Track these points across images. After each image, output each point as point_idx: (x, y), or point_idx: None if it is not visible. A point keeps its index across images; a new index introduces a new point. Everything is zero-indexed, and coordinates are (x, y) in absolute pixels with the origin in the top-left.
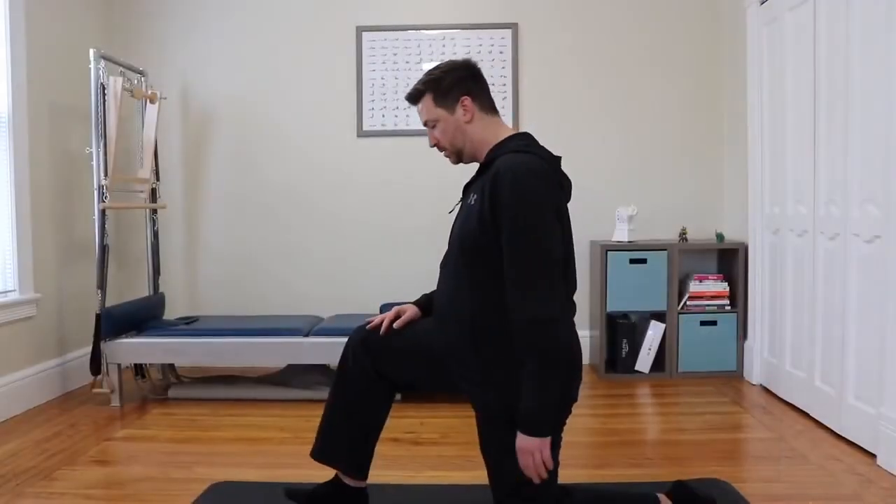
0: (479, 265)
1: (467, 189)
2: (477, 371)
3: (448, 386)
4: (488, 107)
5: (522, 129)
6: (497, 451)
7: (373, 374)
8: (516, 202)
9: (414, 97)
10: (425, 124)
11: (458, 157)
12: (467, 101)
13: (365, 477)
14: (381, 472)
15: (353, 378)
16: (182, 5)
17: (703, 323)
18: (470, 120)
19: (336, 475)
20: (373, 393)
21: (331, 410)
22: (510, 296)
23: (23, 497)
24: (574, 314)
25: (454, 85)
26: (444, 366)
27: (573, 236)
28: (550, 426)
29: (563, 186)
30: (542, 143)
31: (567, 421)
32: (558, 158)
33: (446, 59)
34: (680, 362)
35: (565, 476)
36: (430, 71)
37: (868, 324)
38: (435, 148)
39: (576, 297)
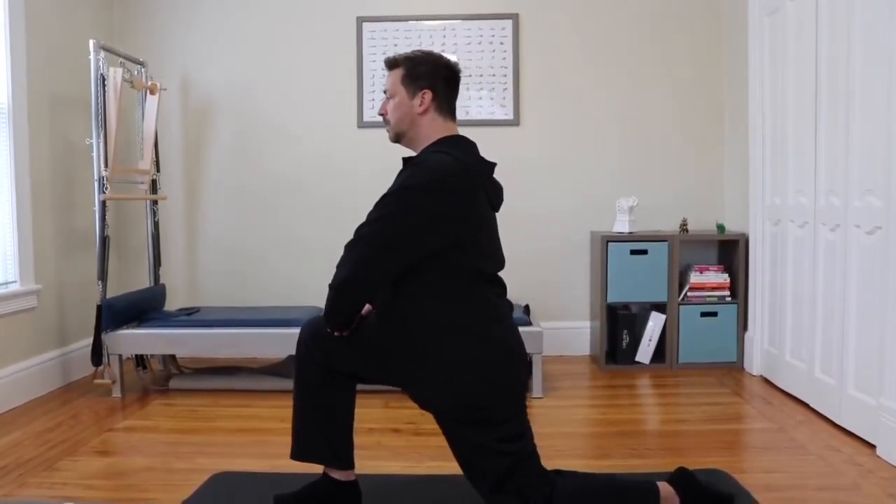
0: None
1: None
2: (418, 371)
3: (395, 384)
4: (447, 110)
5: (523, 121)
6: (465, 450)
7: (326, 366)
8: (400, 184)
9: (390, 64)
10: (385, 92)
11: (397, 138)
12: (427, 95)
13: (351, 467)
14: (382, 463)
15: (311, 371)
16: None
17: (703, 314)
18: (422, 113)
19: (324, 472)
20: (333, 384)
21: (298, 407)
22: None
23: (25, 487)
24: (512, 310)
25: (425, 75)
26: (388, 365)
27: (502, 243)
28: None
29: (487, 192)
30: (540, 136)
31: (527, 407)
32: (492, 165)
33: (447, 49)
34: (680, 353)
35: (565, 467)
36: (420, 50)
37: (868, 315)
38: (381, 117)
39: (576, 288)
